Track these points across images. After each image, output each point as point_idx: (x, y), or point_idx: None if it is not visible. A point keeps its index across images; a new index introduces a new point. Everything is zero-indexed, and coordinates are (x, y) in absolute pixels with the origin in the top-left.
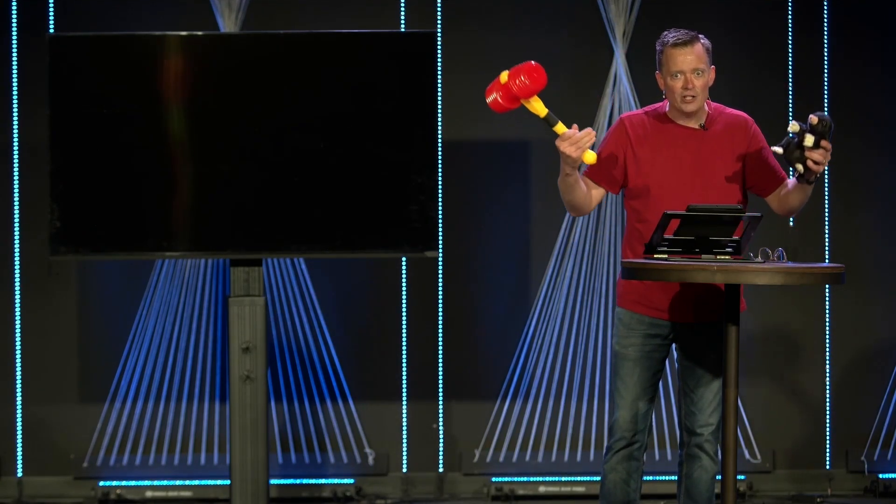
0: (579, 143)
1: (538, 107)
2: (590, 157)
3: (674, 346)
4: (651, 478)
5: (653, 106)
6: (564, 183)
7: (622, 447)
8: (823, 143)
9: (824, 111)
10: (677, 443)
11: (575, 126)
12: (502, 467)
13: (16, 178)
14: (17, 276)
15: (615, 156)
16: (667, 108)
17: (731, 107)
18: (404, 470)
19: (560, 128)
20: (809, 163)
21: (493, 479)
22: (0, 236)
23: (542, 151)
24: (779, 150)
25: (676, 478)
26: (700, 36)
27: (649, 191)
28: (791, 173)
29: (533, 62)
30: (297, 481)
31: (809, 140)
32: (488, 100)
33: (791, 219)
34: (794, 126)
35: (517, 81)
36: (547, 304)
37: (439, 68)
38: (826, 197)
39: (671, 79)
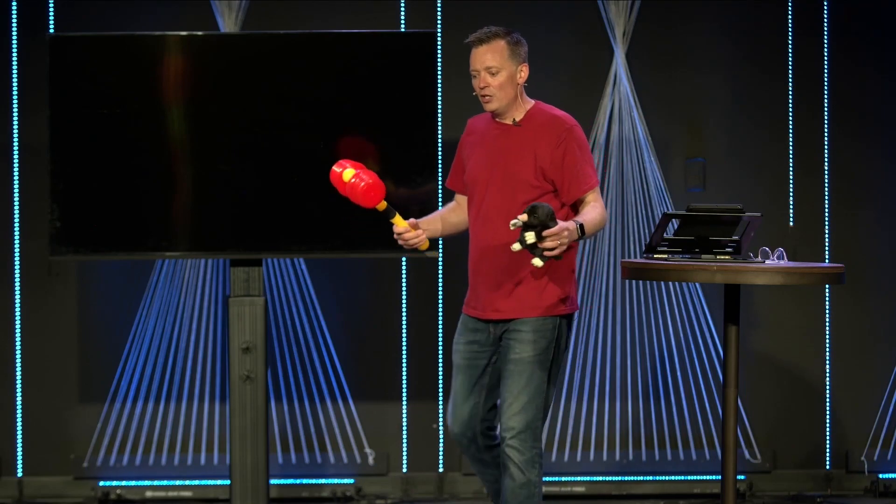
0: (408, 243)
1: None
2: (424, 246)
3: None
4: (652, 478)
5: None
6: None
7: (463, 452)
8: (547, 232)
9: (824, 112)
10: (679, 443)
11: (412, 221)
12: None
13: (16, 178)
14: (17, 276)
15: (459, 160)
16: None
17: (731, 108)
18: (404, 470)
19: (398, 220)
20: (546, 253)
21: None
22: (0, 236)
23: None
24: (517, 246)
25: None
26: (506, 33)
27: (467, 187)
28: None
29: (380, 184)
30: (297, 481)
31: (530, 237)
32: (333, 169)
33: (791, 219)
34: (513, 226)
35: (353, 182)
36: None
37: (439, 68)
38: (826, 197)
39: (472, 78)
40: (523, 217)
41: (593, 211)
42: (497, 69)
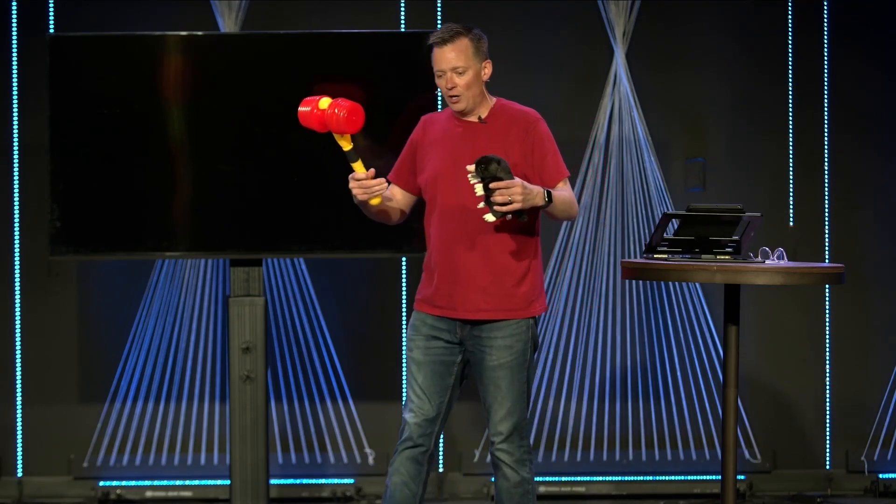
0: (369, 189)
1: (344, 141)
2: (376, 201)
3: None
4: (652, 478)
5: None
6: (366, 211)
7: (407, 447)
8: (494, 184)
9: (824, 112)
10: (679, 443)
11: (372, 171)
12: None
13: (16, 178)
14: (17, 276)
15: (410, 156)
16: None
17: (731, 108)
18: None
19: (359, 167)
20: (496, 207)
21: (493, 479)
22: (0, 236)
23: None
24: (482, 204)
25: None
26: (467, 31)
27: (427, 186)
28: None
29: (360, 106)
30: (297, 481)
31: (479, 189)
32: (301, 109)
33: (791, 219)
34: (470, 178)
35: (334, 112)
36: (547, 304)
37: None
38: (826, 197)
39: (436, 78)
40: (471, 168)
41: (563, 192)
42: (463, 68)
